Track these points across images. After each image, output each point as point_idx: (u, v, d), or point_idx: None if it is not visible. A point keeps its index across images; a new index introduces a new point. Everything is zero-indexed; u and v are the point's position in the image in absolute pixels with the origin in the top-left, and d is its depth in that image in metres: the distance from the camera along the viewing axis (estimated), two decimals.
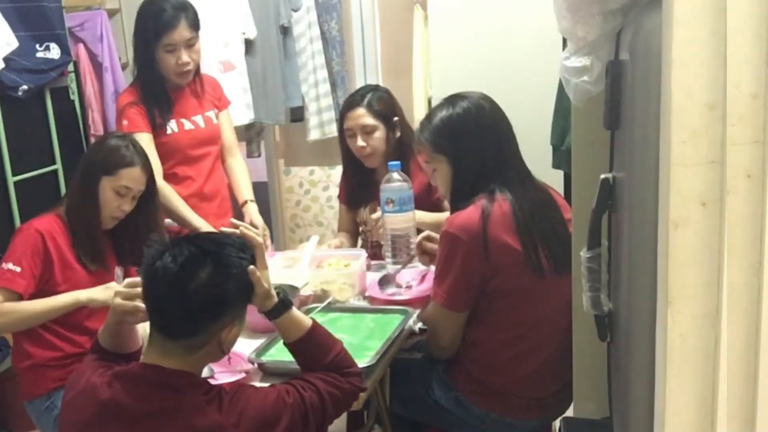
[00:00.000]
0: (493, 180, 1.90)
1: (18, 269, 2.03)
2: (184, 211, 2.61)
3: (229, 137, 2.87)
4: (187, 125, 2.71)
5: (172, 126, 2.67)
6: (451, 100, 1.97)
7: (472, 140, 1.91)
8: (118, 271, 2.24)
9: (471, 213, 1.86)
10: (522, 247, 1.85)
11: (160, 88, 2.65)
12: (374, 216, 2.49)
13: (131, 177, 2.14)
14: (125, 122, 2.61)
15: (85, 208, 2.14)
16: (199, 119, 2.74)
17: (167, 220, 2.69)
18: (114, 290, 1.65)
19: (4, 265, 2.05)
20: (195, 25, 2.61)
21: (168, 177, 2.65)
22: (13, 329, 2.03)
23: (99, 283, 2.12)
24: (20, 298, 2.03)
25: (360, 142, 2.53)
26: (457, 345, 1.98)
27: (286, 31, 3.75)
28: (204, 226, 2.57)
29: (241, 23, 3.51)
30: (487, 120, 1.93)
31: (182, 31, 2.56)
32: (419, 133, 2.02)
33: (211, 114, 2.78)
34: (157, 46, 2.57)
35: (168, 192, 2.61)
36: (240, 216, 2.71)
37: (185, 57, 2.59)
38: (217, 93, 2.86)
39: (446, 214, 2.45)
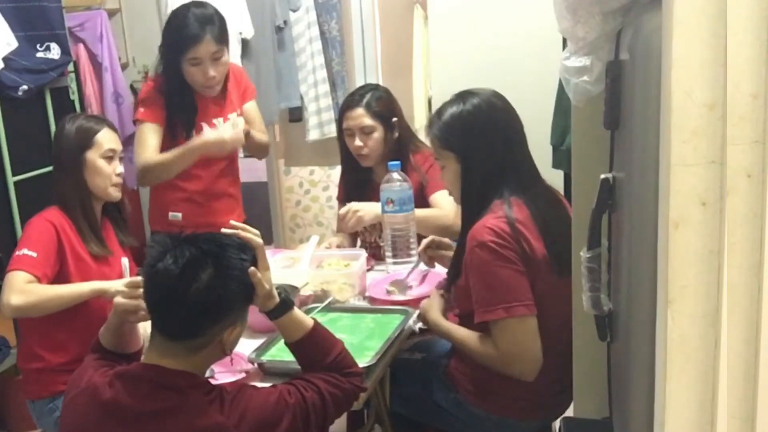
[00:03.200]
0: (505, 181, 1.86)
1: (35, 254, 2.04)
2: (183, 147, 2.54)
3: (257, 128, 2.77)
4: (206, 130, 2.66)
5: (191, 133, 2.63)
6: (462, 96, 1.93)
7: (482, 138, 1.88)
8: (125, 261, 2.25)
9: (496, 222, 1.81)
10: (547, 250, 1.83)
11: (185, 94, 2.60)
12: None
13: (109, 138, 2.22)
14: (141, 109, 2.59)
15: (79, 192, 2.17)
16: (219, 123, 2.68)
17: (171, 214, 2.68)
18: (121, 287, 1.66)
19: (19, 251, 2.05)
20: (221, 37, 2.53)
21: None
22: (37, 311, 2.02)
23: (108, 275, 2.17)
24: (38, 282, 2.03)
25: (357, 142, 2.54)
26: (541, 357, 1.84)
27: (282, 31, 3.76)
28: (208, 133, 2.51)
29: (237, 23, 3.51)
30: (499, 118, 1.90)
31: (207, 46, 2.49)
32: (428, 128, 1.99)
33: (232, 116, 2.71)
34: (182, 59, 2.52)
35: (160, 157, 2.54)
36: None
37: (211, 71, 2.52)
38: (242, 86, 2.79)
39: (435, 211, 2.45)
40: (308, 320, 1.64)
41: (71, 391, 1.51)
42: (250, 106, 2.80)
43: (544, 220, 1.84)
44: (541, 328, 1.84)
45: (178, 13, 2.55)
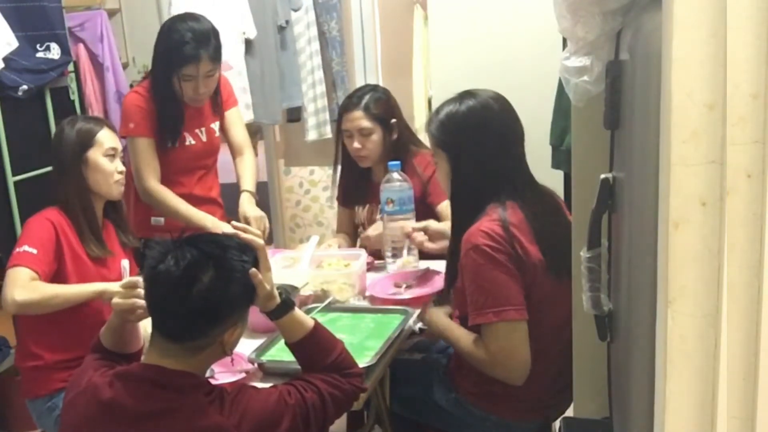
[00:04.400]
0: (500, 184, 1.86)
1: (35, 251, 2.04)
2: (185, 209, 2.59)
3: (238, 135, 2.81)
4: (189, 140, 2.69)
5: (175, 143, 2.66)
6: (462, 96, 1.93)
7: (473, 139, 1.87)
8: (125, 263, 2.26)
9: (491, 225, 1.81)
10: (543, 254, 1.83)
11: (172, 106, 2.60)
12: (369, 234, 2.54)
13: (109, 137, 2.23)
14: (131, 125, 2.60)
15: (80, 193, 2.18)
16: (201, 133, 2.72)
17: (153, 219, 2.70)
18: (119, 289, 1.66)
19: (19, 248, 2.06)
20: (216, 55, 2.53)
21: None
22: (40, 308, 2.02)
23: (106, 276, 2.17)
24: (39, 278, 2.03)
25: (356, 144, 2.54)
26: (530, 359, 1.84)
27: (284, 30, 3.75)
28: (209, 219, 2.56)
29: (240, 23, 3.51)
30: (493, 121, 1.88)
31: (203, 66, 2.49)
32: (427, 126, 1.99)
33: (215, 126, 2.75)
34: (174, 74, 2.52)
35: (165, 194, 2.60)
36: (248, 221, 2.71)
37: (202, 88, 2.54)
38: (225, 93, 2.80)
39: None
40: (309, 320, 1.64)
41: (71, 391, 1.51)
42: (233, 113, 2.81)
43: (540, 225, 1.84)
44: (539, 330, 1.84)
45: (175, 28, 2.52)
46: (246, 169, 2.76)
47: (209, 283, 1.40)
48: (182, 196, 2.66)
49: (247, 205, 2.62)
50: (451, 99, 1.95)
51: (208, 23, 2.55)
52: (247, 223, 2.53)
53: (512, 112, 1.94)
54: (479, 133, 1.87)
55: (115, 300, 1.60)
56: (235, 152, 2.82)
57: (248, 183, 2.71)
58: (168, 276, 1.40)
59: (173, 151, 2.66)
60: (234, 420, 1.39)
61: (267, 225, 2.62)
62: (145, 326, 1.64)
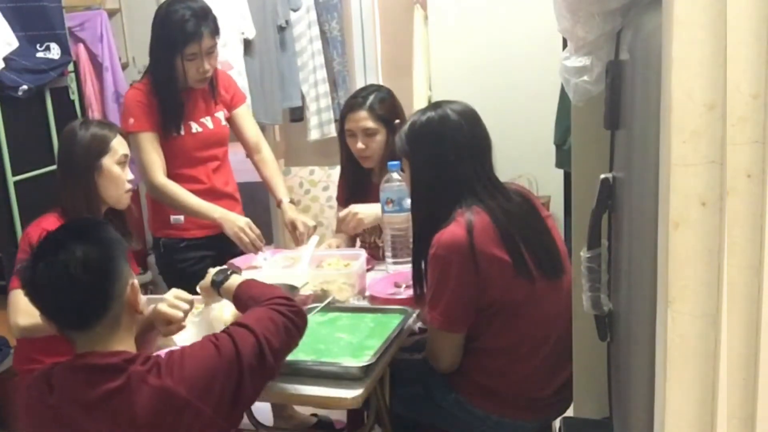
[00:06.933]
0: (460, 193, 1.89)
1: None
2: (193, 201, 2.59)
3: (251, 131, 2.82)
4: (195, 128, 2.68)
5: (179, 129, 2.65)
6: (430, 106, 1.99)
7: (427, 149, 1.92)
8: None
9: (455, 230, 1.84)
10: (510, 257, 1.85)
11: (174, 92, 2.61)
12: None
13: (122, 144, 2.23)
14: (131, 120, 2.59)
15: (88, 199, 2.16)
16: (207, 121, 2.71)
17: (173, 217, 2.68)
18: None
19: (18, 266, 2.04)
20: (216, 31, 2.58)
21: (172, 177, 2.64)
22: (44, 332, 1.99)
23: None
24: None
25: (360, 144, 2.54)
26: (458, 362, 1.97)
27: (284, 30, 3.76)
28: (218, 210, 2.56)
29: (239, 23, 3.52)
30: (447, 133, 1.91)
31: (206, 41, 2.53)
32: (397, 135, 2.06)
33: (220, 115, 2.74)
34: (178, 55, 2.53)
35: (172, 188, 2.59)
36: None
37: (206, 65, 2.56)
38: (231, 91, 2.80)
39: None
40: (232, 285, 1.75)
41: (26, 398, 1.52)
42: (243, 110, 2.83)
43: (507, 228, 1.86)
44: (525, 329, 1.90)
45: (172, 9, 2.54)
46: (274, 173, 2.82)
47: (84, 253, 1.40)
48: (201, 191, 2.66)
49: (295, 213, 2.72)
50: (419, 109, 2.03)
51: (202, 1, 2.60)
52: (294, 227, 2.66)
53: (474, 122, 1.96)
54: (434, 144, 1.92)
55: (161, 306, 1.67)
56: (251, 150, 2.83)
57: (284, 191, 2.78)
58: (48, 276, 1.39)
59: (180, 140, 2.65)
60: (174, 380, 1.40)
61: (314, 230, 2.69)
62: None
